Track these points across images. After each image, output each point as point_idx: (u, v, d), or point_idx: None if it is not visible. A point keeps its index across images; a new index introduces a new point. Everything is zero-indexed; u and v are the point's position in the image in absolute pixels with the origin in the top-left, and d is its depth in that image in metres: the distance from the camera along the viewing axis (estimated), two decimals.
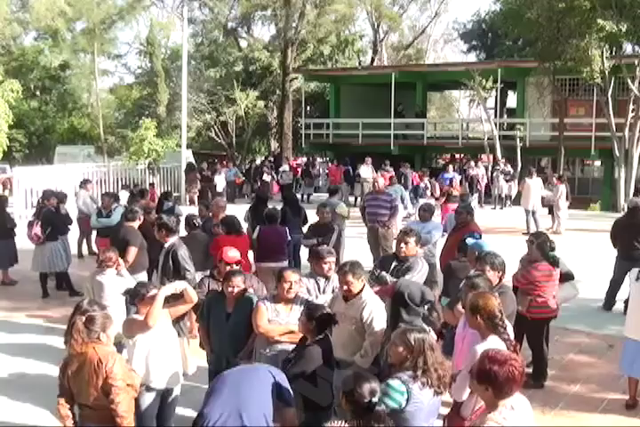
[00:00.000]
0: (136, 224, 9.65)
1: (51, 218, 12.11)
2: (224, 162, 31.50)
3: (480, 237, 8.52)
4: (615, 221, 11.70)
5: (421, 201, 18.87)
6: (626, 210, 12.07)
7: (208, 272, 7.50)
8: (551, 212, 19.62)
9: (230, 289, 6.08)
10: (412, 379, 4.37)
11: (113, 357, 4.91)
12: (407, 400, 4.32)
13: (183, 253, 7.97)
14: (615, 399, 7.33)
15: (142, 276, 9.19)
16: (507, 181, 23.23)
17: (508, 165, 24.29)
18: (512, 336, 5.06)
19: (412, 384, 4.35)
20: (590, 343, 9.15)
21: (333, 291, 6.72)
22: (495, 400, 3.79)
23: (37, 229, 11.88)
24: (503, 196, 23.47)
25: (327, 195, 14.19)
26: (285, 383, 4.50)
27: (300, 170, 29.26)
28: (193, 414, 5.68)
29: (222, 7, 43.37)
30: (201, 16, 45.88)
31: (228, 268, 6.61)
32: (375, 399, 3.95)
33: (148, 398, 5.57)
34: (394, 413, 4.20)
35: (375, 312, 5.90)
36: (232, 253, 6.82)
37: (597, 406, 7.14)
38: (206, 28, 46.17)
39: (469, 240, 7.73)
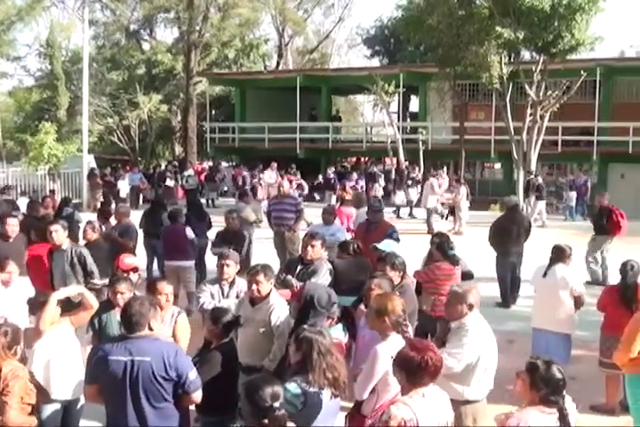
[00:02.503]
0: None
1: None
2: (127, 167, 30.93)
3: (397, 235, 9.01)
4: (496, 221, 12.23)
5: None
6: (505, 209, 12.61)
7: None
8: (453, 213, 20.17)
9: (118, 296, 5.93)
10: (308, 382, 4.40)
11: (16, 373, 4.77)
12: (304, 403, 4.34)
13: (85, 258, 7.82)
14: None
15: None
16: (409, 186, 23.53)
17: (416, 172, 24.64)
18: (412, 334, 5.18)
19: (309, 387, 4.38)
20: None
21: (238, 296, 6.70)
22: (409, 386, 4.01)
23: None
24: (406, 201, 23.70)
25: (233, 199, 14.16)
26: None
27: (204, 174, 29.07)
28: (99, 424, 5.56)
29: (124, 9, 42.67)
30: (103, 18, 44.98)
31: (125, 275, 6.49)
32: (277, 404, 3.95)
33: (49, 410, 5.42)
34: (292, 415, 4.21)
35: (282, 315, 5.93)
36: (129, 261, 6.70)
37: (499, 398, 7.37)
38: (108, 30, 45.18)
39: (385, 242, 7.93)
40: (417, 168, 23.85)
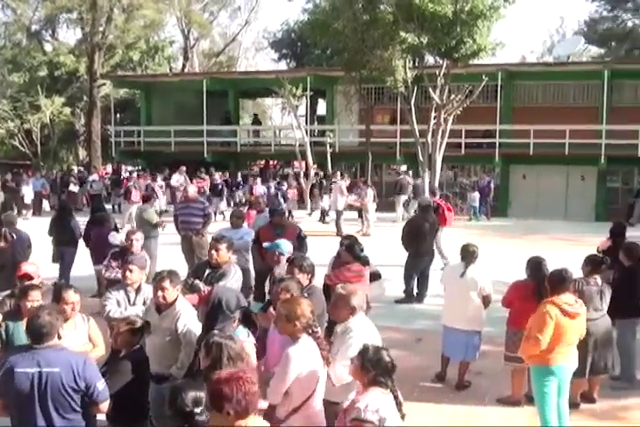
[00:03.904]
0: None
1: None
2: (29, 172, 29.96)
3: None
4: (409, 221, 12.49)
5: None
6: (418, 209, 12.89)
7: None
8: (360, 215, 20.41)
9: (30, 304, 5.71)
10: None
11: None
12: None
13: None
14: (425, 386, 7.83)
15: None
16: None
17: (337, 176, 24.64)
18: (322, 335, 5.19)
19: None
20: (400, 338, 9.55)
21: (145, 303, 6.57)
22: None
23: None
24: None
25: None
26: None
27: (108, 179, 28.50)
28: None
29: (25, 8, 41.43)
30: (3, 17, 43.61)
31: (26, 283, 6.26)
32: (198, 410, 3.93)
33: None
34: (205, 423, 4.17)
35: (190, 322, 5.84)
36: (26, 268, 6.50)
37: (409, 395, 7.48)
38: (9, 30, 43.76)
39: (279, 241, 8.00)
40: (338, 173, 24.02)
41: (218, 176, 25.65)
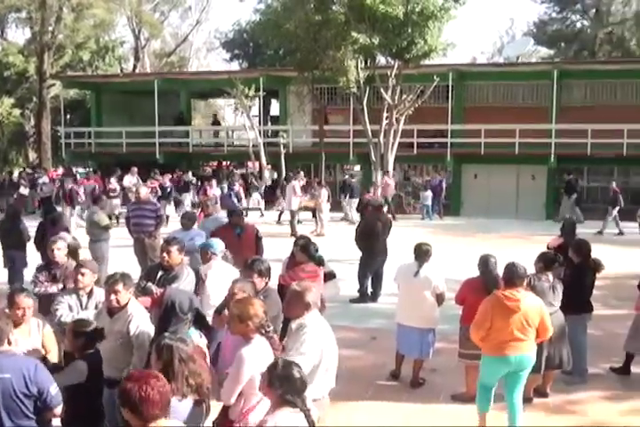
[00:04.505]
0: None
1: None
2: None
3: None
4: (362, 221, 12.59)
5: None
6: (369, 209, 13.00)
7: None
8: (314, 215, 20.42)
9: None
10: (171, 390, 4.31)
11: None
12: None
13: None
14: (380, 385, 7.89)
15: None
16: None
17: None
18: (277, 338, 5.19)
19: (171, 396, 4.28)
20: (355, 337, 9.59)
21: (97, 307, 6.48)
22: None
23: None
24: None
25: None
26: None
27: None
28: None
29: None
30: None
31: None
32: None
33: None
34: None
35: (142, 325, 5.78)
36: None
37: (363, 393, 7.53)
38: None
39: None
40: (301, 173, 23.96)
41: (167, 179, 25.37)
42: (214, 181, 24.08)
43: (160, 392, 3.56)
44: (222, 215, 12.17)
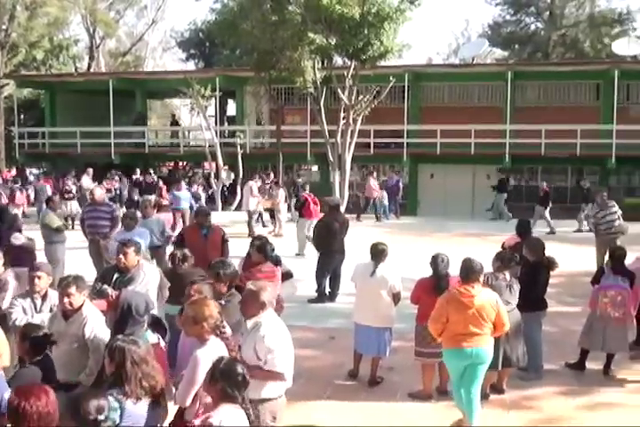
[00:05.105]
0: None
1: None
2: None
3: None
4: (319, 221, 12.62)
5: None
6: (327, 209, 12.97)
7: None
8: (272, 215, 20.40)
9: None
10: (124, 393, 4.30)
11: None
12: (121, 416, 4.23)
13: None
14: (338, 384, 7.91)
15: None
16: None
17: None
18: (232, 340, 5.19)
19: (125, 399, 4.29)
20: (313, 337, 9.61)
21: (51, 310, 6.39)
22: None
23: None
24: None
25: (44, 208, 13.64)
26: None
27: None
28: None
29: None
30: None
31: None
32: (102, 417, 3.88)
33: None
34: None
35: (97, 328, 5.72)
36: None
37: (321, 393, 7.55)
38: None
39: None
40: (272, 174, 23.86)
41: (121, 182, 25.15)
42: (183, 183, 23.92)
43: (38, 412, 3.51)
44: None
